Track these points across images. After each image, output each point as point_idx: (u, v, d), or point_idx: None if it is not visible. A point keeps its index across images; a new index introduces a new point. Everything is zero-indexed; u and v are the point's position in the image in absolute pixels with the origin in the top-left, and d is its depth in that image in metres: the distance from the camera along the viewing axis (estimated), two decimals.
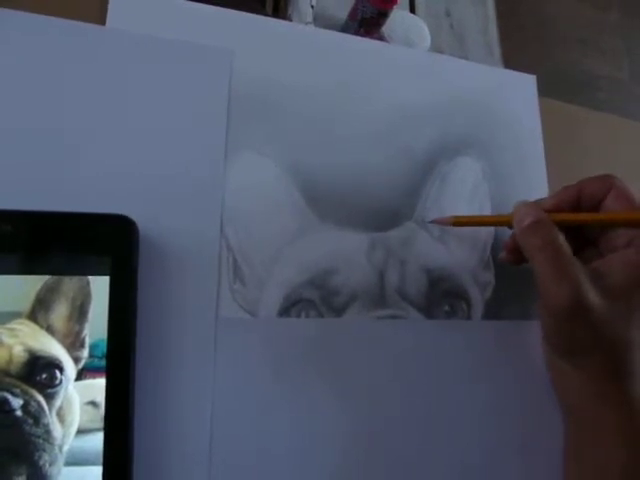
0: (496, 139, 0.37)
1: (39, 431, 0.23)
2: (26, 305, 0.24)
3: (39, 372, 0.23)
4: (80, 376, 0.24)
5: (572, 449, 0.30)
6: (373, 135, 0.35)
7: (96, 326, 0.25)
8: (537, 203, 0.32)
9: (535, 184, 0.37)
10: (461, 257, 0.34)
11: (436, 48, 0.61)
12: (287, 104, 0.33)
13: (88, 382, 0.24)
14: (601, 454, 0.28)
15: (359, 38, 0.38)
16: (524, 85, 0.40)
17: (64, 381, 0.24)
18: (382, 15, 0.52)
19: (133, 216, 0.26)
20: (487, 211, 0.36)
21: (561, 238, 0.29)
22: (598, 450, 0.28)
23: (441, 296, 0.33)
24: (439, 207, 0.35)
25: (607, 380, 0.28)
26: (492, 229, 0.36)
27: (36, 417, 0.23)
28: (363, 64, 0.36)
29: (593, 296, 0.28)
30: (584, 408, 0.29)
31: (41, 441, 0.23)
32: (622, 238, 0.30)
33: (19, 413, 0.23)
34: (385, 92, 0.36)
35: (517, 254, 0.32)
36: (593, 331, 0.28)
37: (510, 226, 0.32)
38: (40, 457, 0.23)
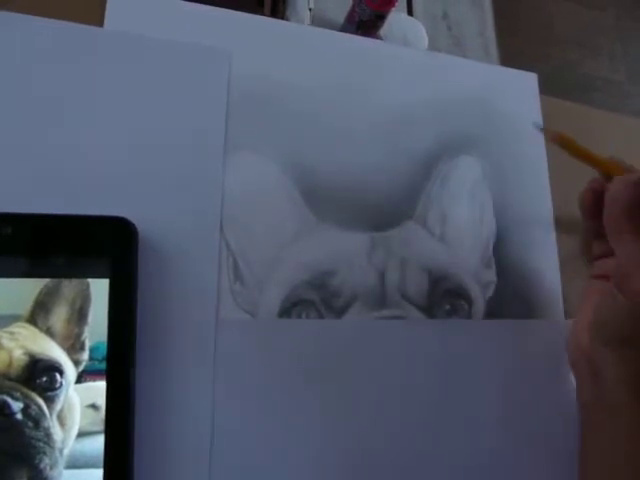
0: (497, 138, 0.37)
1: (39, 434, 0.23)
2: (26, 308, 0.24)
3: (39, 375, 0.23)
4: (80, 379, 0.24)
5: (591, 448, 0.30)
6: (373, 134, 0.35)
7: (96, 329, 0.25)
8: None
9: (537, 183, 0.37)
10: (462, 256, 0.34)
11: (434, 50, 0.61)
12: (286, 104, 0.33)
13: (88, 385, 0.24)
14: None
15: (358, 37, 0.37)
16: (525, 83, 0.40)
17: (64, 384, 0.24)
18: (380, 17, 0.52)
19: (132, 218, 0.26)
20: (488, 210, 0.36)
21: None
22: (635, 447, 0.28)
23: (442, 295, 0.33)
24: (440, 206, 0.34)
25: None
26: (494, 227, 0.35)
27: (36, 420, 0.23)
28: (362, 63, 0.36)
29: None
30: (621, 403, 0.29)
31: (42, 444, 0.23)
32: None
33: (19, 416, 0.23)
34: (384, 91, 0.36)
35: (597, 210, 0.30)
36: None
37: (607, 176, 0.31)
38: (41, 460, 0.23)
